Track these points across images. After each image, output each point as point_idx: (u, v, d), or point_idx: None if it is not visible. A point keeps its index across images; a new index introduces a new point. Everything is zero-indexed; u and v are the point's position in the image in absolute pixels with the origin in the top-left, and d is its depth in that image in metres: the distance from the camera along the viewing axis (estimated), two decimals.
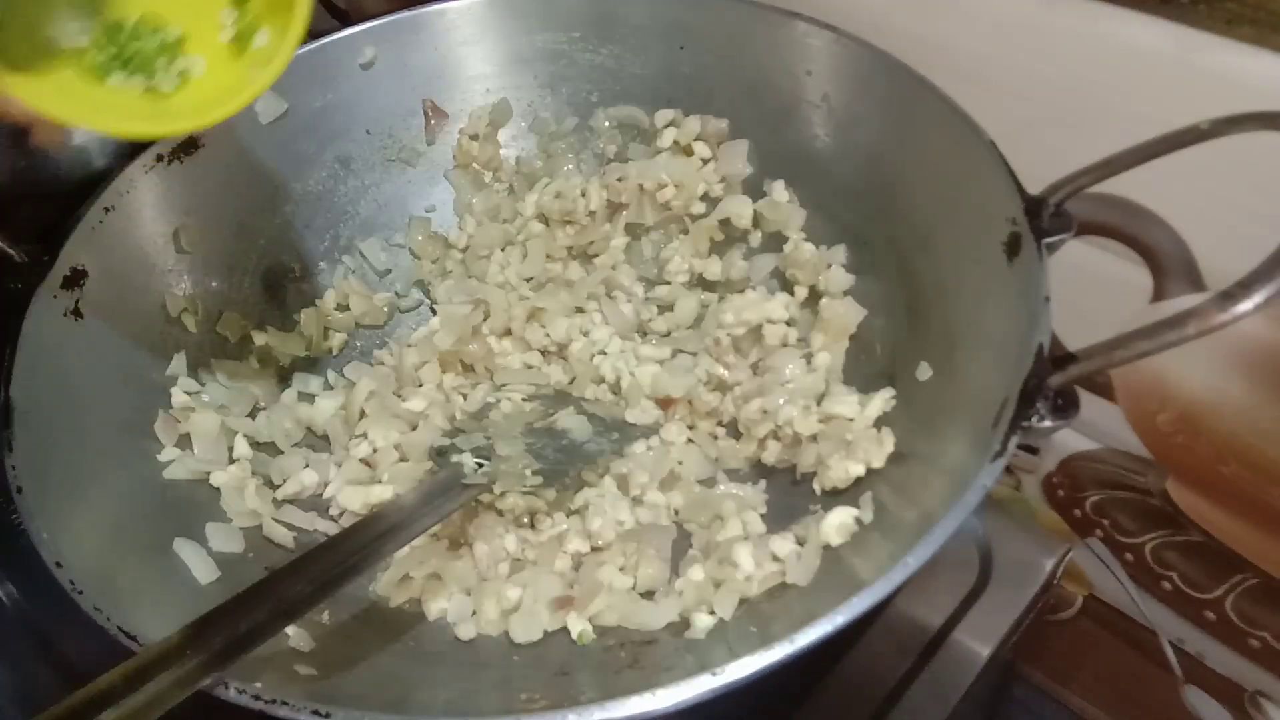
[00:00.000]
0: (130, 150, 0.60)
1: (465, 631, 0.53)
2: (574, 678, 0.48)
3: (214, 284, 0.64)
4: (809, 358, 0.61)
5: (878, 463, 0.53)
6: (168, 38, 0.48)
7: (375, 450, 0.61)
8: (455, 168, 0.73)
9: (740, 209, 0.67)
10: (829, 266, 0.63)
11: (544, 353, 0.67)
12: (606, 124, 0.72)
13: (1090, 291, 0.64)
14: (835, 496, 0.54)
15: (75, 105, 0.45)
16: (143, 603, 0.45)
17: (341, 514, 0.59)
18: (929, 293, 0.57)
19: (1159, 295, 0.64)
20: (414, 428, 0.62)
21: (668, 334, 0.68)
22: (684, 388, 0.62)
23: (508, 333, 0.67)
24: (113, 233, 0.58)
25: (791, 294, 0.65)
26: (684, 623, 0.50)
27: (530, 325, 0.66)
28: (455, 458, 0.56)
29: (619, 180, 0.68)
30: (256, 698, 0.39)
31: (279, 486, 0.59)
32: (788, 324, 0.63)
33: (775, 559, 0.51)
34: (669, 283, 0.69)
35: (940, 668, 0.61)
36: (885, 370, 0.58)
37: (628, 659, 0.49)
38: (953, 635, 0.62)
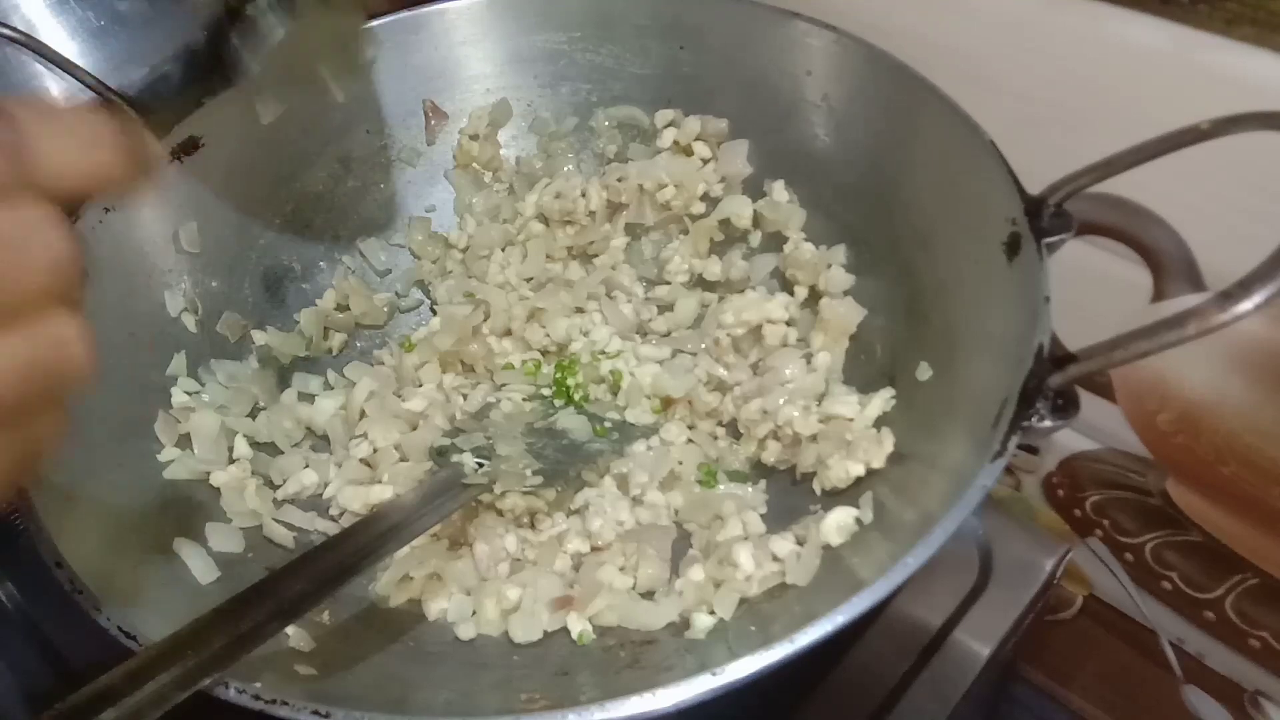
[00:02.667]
0: None
1: (465, 631, 0.53)
2: (574, 678, 0.48)
3: (214, 284, 0.64)
4: (809, 358, 0.61)
5: (878, 463, 0.53)
6: None
7: (375, 450, 0.61)
8: (455, 168, 0.73)
9: (740, 209, 0.67)
10: (829, 266, 0.63)
11: (544, 352, 0.67)
12: (606, 124, 0.72)
13: (1090, 291, 0.64)
14: (835, 496, 0.54)
15: None
16: (143, 603, 0.45)
17: (341, 514, 0.59)
18: (929, 293, 0.57)
19: (1159, 295, 0.64)
20: (414, 428, 0.62)
21: (668, 334, 0.68)
22: (684, 388, 0.62)
23: (508, 333, 0.67)
24: (113, 233, 0.58)
25: (791, 294, 0.65)
26: (684, 623, 0.50)
27: (530, 325, 0.66)
28: (455, 458, 0.56)
29: (619, 180, 0.68)
30: (256, 698, 0.39)
31: (279, 486, 0.59)
32: (788, 324, 0.63)
33: (775, 559, 0.51)
34: (669, 283, 0.69)
35: (940, 668, 0.61)
36: (885, 370, 0.58)
37: (628, 659, 0.49)
38: (953, 635, 0.63)
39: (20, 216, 0.28)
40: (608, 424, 0.61)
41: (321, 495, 0.60)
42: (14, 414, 0.29)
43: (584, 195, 0.70)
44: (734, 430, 0.62)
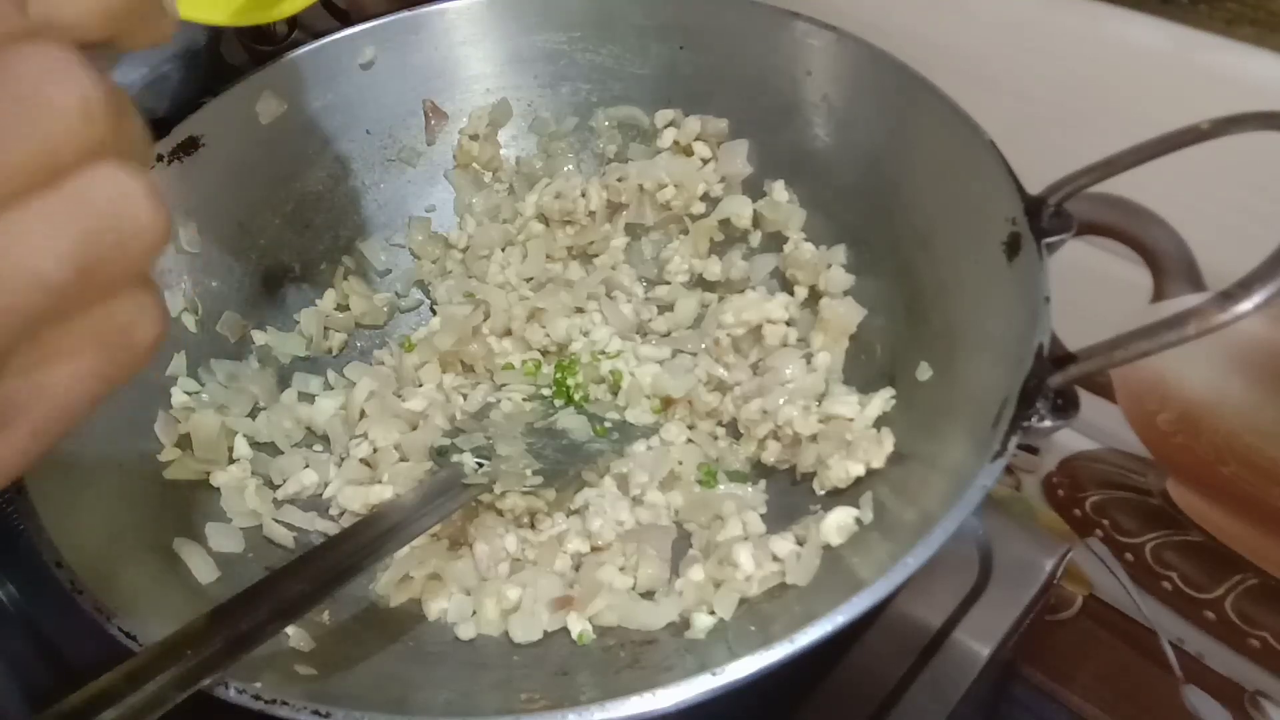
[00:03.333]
0: None
1: (465, 631, 0.53)
2: (574, 678, 0.48)
3: (214, 284, 0.64)
4: (809, 358, 0.61)
5: (878, 463, 0.53)
6: None
7: (375, 450, 0.61)
8: (455, 168, 0.73)
9: (740, 209, 0.67)
10: (829, 266, 0.63)
11: (544, 352, 0.67)
12: (606, 124, 0.72)
13: (1090, 291, 0.64)
14: (835, 496, 0.54)
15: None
16: (143, 603, 0.45)
17: (341, 514, 0.59)
18: (929, 293, 0.57)
19: (1159, 295, 0.64)
20: (414, 428, 0.62)
21: (668, 334, 0.68)
22: (684, 388, 0.62)
23: (508, 333, 0.67)
24: None
25: (791, 294, 0.65)
26: (684, 623, 0.50)
27: (530, 325, 0.66)
28: (455, 458, 0.56)
29: (619, 180, 0.68)
30: (256, 698, 0.39)
31: (279, 486, 0.59)
32: (788, 324, 0.63)
33: (775, 559, 0.51)
34: (669, 283, 0.69)
35: (940, 668, 0.61)
36: (885, 370, 0.58)
37: (628, 659, 0.49)
38: (953, 635, 0.63)
39: (42, 56, 0.23)
40: (608, 424, 0.61)
41: (321, 495, 0.60)
42: (83, 291, 0.24)
43: (584, 195, 0.70)
44: (734, 430, 0.62)
